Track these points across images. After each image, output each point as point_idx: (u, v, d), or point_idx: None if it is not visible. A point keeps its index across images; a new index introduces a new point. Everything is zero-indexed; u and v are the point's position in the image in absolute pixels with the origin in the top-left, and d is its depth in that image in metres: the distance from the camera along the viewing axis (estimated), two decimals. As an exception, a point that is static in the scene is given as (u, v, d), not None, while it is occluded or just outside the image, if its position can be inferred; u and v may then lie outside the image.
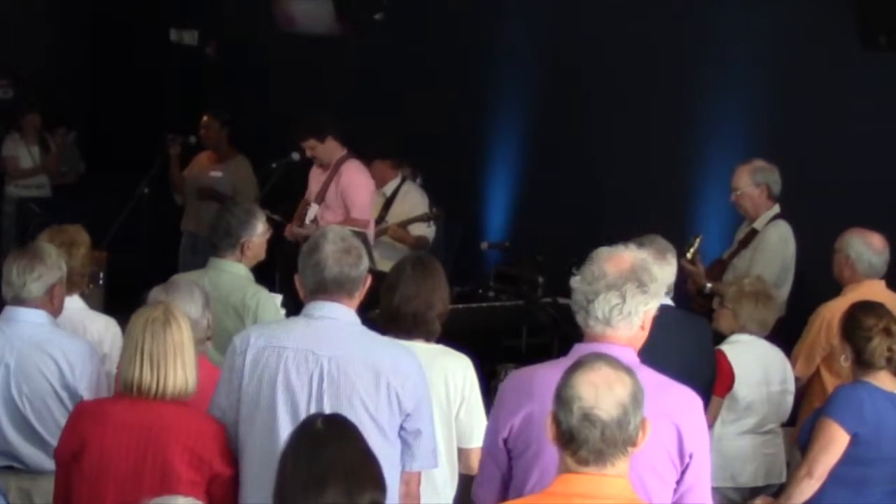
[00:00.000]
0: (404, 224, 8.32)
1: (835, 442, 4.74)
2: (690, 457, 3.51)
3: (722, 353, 5.47)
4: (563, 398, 2.98)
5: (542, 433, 3.41)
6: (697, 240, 6.82)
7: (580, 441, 2.95)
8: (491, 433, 3.64)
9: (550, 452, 3.43)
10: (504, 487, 3.63)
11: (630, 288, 3.50)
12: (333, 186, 7.82)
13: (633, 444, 2.99)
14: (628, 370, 3.03)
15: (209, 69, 11.86)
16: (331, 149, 7.88)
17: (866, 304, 5.04)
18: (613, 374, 2.99)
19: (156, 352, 3.91)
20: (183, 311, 4.13)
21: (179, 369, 3.93)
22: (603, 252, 3.57)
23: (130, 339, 3.97)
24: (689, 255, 6.68)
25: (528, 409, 3.50)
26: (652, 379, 3.46)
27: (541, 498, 3.06)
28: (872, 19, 6.94)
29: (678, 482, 3.51)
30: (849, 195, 7.19)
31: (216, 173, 9.54)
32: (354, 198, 7.74)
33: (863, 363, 4.83)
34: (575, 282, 3.55)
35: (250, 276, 5.51)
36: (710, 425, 5.42)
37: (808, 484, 4.79)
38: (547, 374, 3.50)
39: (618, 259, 3.54)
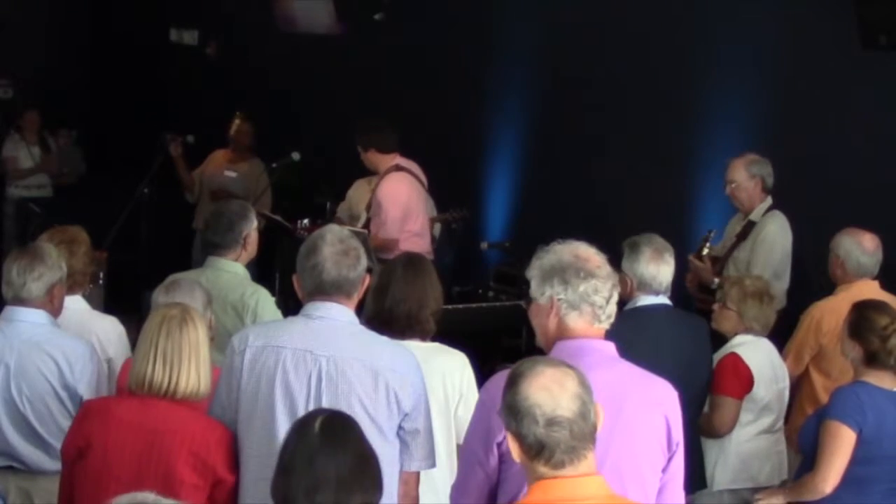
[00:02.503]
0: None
1: (844, 443, 4.72)
2: (677, 445, 3.57)
3: (738, 356, 5.44)
4: (521, 412, 2.94)
5: None
6: (712, 234, 6.87)
7: (552, 447, 2.92)
8: (480, 438, 3.57)
9: None
10: (491, 494, 3.59)
11: (614, 277, 3.61)
12: (373, 198, 7.89)
13: (596, 430, 2.99)
14: (566, 363, 3.03)
15: (209, 69, 11.86)
16: (373, 161, 7.93)
17: (875, 303, 5.02)
18: (558, 371, 2.99)
19: (170, 350, 3.89)
20: (200, 313, 4.12)
21: (193, 370, 3.91)
22: (577, 251, 3.61)
23: (146, 336, 3.94)
24: (705, 251, 6.73)
25: None
26: (635, 371, 3.50)
27: None
28: (872, 19, 6.94)
29: (663, 470, 3.56)
30: (849, 194, 7.19)
31: (230, 173, 9.59)
32: (381, 213, 7.77)
33: (873, 362, 4.82)
34: (585, 285, 3.54)
35: (247, 275, 5.52)
36: (731, 429, 5.41)
37: (822, 489, 4.77)
38: None
39: (594, 256, 3.61)
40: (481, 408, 3.62)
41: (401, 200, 7.81)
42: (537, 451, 2.93)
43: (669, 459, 3.57)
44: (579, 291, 3.55)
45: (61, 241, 5.15)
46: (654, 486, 3.53)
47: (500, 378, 3.67)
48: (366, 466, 3.03)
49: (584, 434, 2.94)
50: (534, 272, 3.65)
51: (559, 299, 3.57)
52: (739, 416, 5.42)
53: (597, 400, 3.19)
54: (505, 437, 3.48)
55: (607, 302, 3.56)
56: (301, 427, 3.11)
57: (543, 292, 3.60)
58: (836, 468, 4.74)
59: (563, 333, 3.58)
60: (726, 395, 5.38)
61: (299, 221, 8.01)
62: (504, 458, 3.53)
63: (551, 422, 2.92)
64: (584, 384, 2.98)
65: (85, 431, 3.96)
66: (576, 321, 3.57)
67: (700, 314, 5.89)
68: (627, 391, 3.46)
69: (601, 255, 3.64)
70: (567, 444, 2.92)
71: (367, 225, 8.01)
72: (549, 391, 2.94)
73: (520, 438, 2.95)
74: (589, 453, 2.95)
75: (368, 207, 8.00)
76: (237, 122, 9.80)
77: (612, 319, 3.61)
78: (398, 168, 7.89)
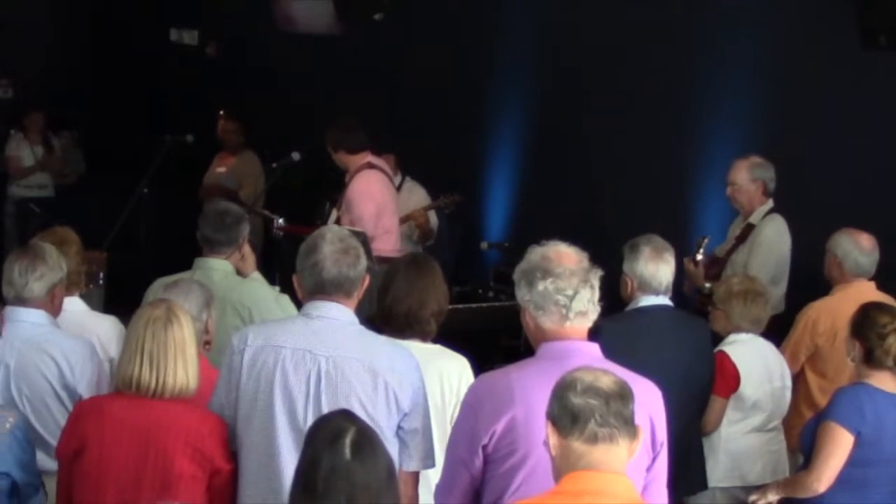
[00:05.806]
0: (426, 209, 8.37)
1: (840, 445, 4.72)
2: (661, 445, 3.60)
3: (725, 355, 5.45)
4: (561, 387, 3.04)
5: (527, 437, 3.46)
6: (705, 240, 6.84)
7: (587, 415, 2.98)
8: (465, 440, 3.59)
9: (535, 457, 3.44)
10: (476, 495, 3.61)
11: (593, 277, 3.63)
12: (345, 195, 7.88)
13: (633, 437, 3.02)
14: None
15: (209, 69, 11.87)
16: (343, 160, 7.92)
17: (879, 304, 5.02)
18: (607, 373, 3.10)
19: (156, 350, 3.91)
20: (185, 310, 4.12)
21: (180, 368, 3.92)
22: (547, 251, 3.65)
23: (131, 336, 3.97)
24: (699, 256, 6.70)
25: (511, 413, 3.50)
26: (620, 372, 3.50)
27: (550, 497, 3.05)
28: (872, 19, 6.95)
29: (647, 469, 3.58)
30: (848, 195, 7.19)
31: (221, 169, 9.73)
32: (355, 210, 7.76)
33: (872, 361, 4.80)
34: (545, 284, 3.59)
35: (234, 271, 5.48)
36: (715, 427, 5.42)
37: (815, 489, 4.77)
38: (523, 377, 3.55)
39: (565, 254, 3.65)
40: (466, 410, 3.64)
41: (374, 197, 7.81)
42: (572, 422, 2.99)
43: (653, 459, 3.59)
44: (539, 291, 3.60)
45: (51, 243, 5.12)
46: (638, 485, 3.53)
47: (483, 380, 3.70)
48: (392, 480, 3.03)
49: (620, 413, 3.00)
50: (515, 275, 3.72)
51: (526, 300, 3.65)
52: (727, 414, 5.44)
53: None
54: (491, 440, 3.51)
55: (571, 300, 3.57)
56: (332, 444, 3.02)
57: (520, 295, 3.69)
58: (831, 469, 4.74)
59: (541, 334, 3.64)
60: (712, 393, 5.39)
61: (275, 220, 8.00)
62: (488, 459, 3.55)
63: (587, 390, 3.00)
64: (627, 387, 3.08)
65: (79, 432, 3.96)
66: (545, 321, 3.62)
67: (698, 314, 5.90)
68: None
69: (579, 253, 3.66)
70: (602, 416, 2.98)
71: (337, 223, 7.97)
72: (592, 372, 3.06)
73: (554, 418, 3.02)
74: (623, 442, 3.00)
75: (339, 204, 7.99)
76: (221, 122, 9.93)
77: (587, 316, 3.61)
78: (370, 166, 7.89)
